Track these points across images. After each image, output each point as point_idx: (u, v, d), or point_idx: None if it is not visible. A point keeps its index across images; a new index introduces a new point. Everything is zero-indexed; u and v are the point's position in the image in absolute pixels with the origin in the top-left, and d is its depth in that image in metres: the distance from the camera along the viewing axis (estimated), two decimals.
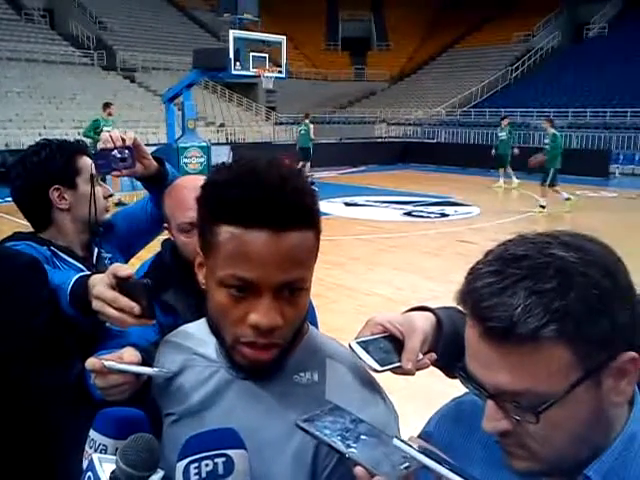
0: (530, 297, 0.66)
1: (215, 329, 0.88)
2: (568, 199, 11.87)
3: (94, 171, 1.58)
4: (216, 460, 0.73)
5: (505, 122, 15.49)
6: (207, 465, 0.73)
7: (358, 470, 0.68)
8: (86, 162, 1.70)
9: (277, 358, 0.86)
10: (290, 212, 0.80)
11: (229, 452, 0.74)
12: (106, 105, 12.55)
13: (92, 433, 0.81)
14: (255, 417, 0.88)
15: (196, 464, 0.73)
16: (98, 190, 1.71)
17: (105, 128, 12.01)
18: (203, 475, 0.73)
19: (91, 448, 0.80)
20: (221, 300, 0.83)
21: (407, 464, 0.68)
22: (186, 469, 0.74)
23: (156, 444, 0.77)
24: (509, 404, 0.70)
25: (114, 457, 0.76)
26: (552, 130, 12.21)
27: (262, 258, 0.79)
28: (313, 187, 0.87)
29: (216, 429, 0.79)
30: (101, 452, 0.79)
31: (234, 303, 0.82)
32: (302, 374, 0.90)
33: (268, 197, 0.79)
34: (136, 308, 1.00)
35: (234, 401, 0.90)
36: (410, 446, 0.68)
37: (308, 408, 0.83)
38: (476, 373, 0.73)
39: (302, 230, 0.81)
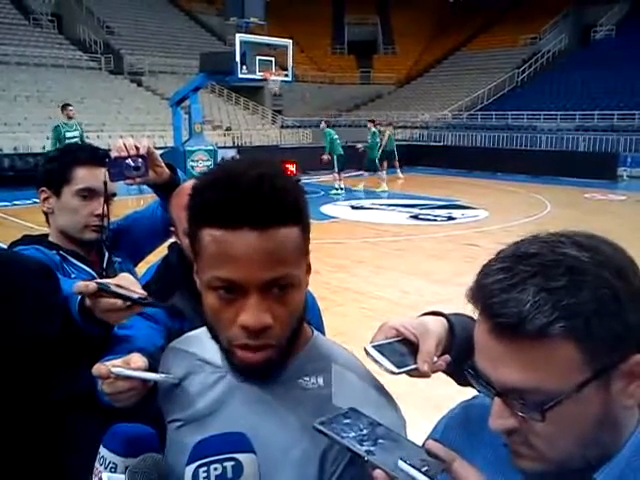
0: (540, 294, 0.66)
1: (212, 333, 0.88)
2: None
3: (107, 179, 1.58)
4: (225, 464, 0.74)
5: (371, 125, 15.91)
6: (216, 469, 0.73)
7: (378, 473, 0.68)
8: (82, 175, 1.68)
9: (275, 359, 0.85)
10: (269, 210, 0.79)
11: (238, 456, 0.75)
12: (64, 107, 11.38)
13: (102, 450, 0.81)
14: (260, 422, 0.87)
15: (205, 468, 0.74)
16: (82, 205, 1.68)
17: (68, 134, 10.94)
18: (212, 479, 0.73)
19: (101, 465, 0.80)
20: (211, 303, 0.83)
21: (427, 468, 0.68)
22: (195, 473, 0.74)
23: (165, 464, 0.78)
24: (516, 402, 0.70)
25: (123, 476, 0.76)
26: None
27: (245, 258, 0.78)
28: (298, 184, 0.86)
29: (225, 433, 0.79)
30: (111, 470, 0.79)
31: (223, 306, 0.82)
32: (307, 378, 0.90)
33: (244, 197, 0.78)
34: (118, 302, 1.06)
35: (239, 407, 0.90)
36: (419, 471, 0.67)
37: (313, 412, 0.83)
38: (484, 370, 0.73)
39: (284, 227, 0.80)
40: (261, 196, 0.78)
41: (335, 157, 14.90)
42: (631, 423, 0.73)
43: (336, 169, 14.84)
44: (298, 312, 0.85)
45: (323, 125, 15.94)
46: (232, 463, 0.74)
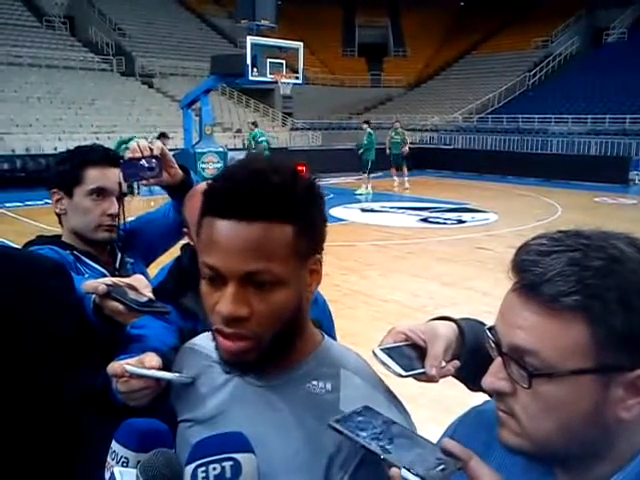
0: (570, 266, 0.67)
1: (209, 320, 0.89)
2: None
3: (122, 180, 1.61)
4: (224, 464, 0.74)
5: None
6: (215, 469, 0.74)
7: (394, 472, 0.68)
8: (94, 175, 1.69)
9: (252, 352, 0.84)
10: (255, 204, 0.80)
11: (236, 456, 0.75)
12: (164, 135, 13.02)
13: (114, 444, 0.81)
14: (267, 425, 0.87)
15: (204, 468, 0.74)
16: (94, 205, 1.70)
17: None
18: (210, 479, 0.73)
19: (113, 460, 0.80)
20: (203, 288, 0.85)
21: (443, 466, 0.67)
22: (194, 473, 0.74)
23: (177, 459, 0.78)
24: (514, 364, 0.71)
25: (135, 470, 0.77)
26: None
27: (226, 247, 0.80)
28: (305, 186, 0.86)
29: (224, 433, 0.79)
30: (122, 465, 0.79)
31: (210, 292, 0.84)
32: (315, 383, 0.89)
33: (234, 189, 0.81)
34: (119, 307, 1.13)
35: (246, 409, 0.90)
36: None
37: (319, 417, 0.83)
38: (499, 329, 0.74)
39: (271, 222, 0.81)
40: (249, 190, 0.80)
41: (370, 162, 15.19)
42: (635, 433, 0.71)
43: (367, 171, 15.03)
44: (282, 311, 0.84)
45: (366, 126, 15.82)
46: (230, 463, 0.74)
